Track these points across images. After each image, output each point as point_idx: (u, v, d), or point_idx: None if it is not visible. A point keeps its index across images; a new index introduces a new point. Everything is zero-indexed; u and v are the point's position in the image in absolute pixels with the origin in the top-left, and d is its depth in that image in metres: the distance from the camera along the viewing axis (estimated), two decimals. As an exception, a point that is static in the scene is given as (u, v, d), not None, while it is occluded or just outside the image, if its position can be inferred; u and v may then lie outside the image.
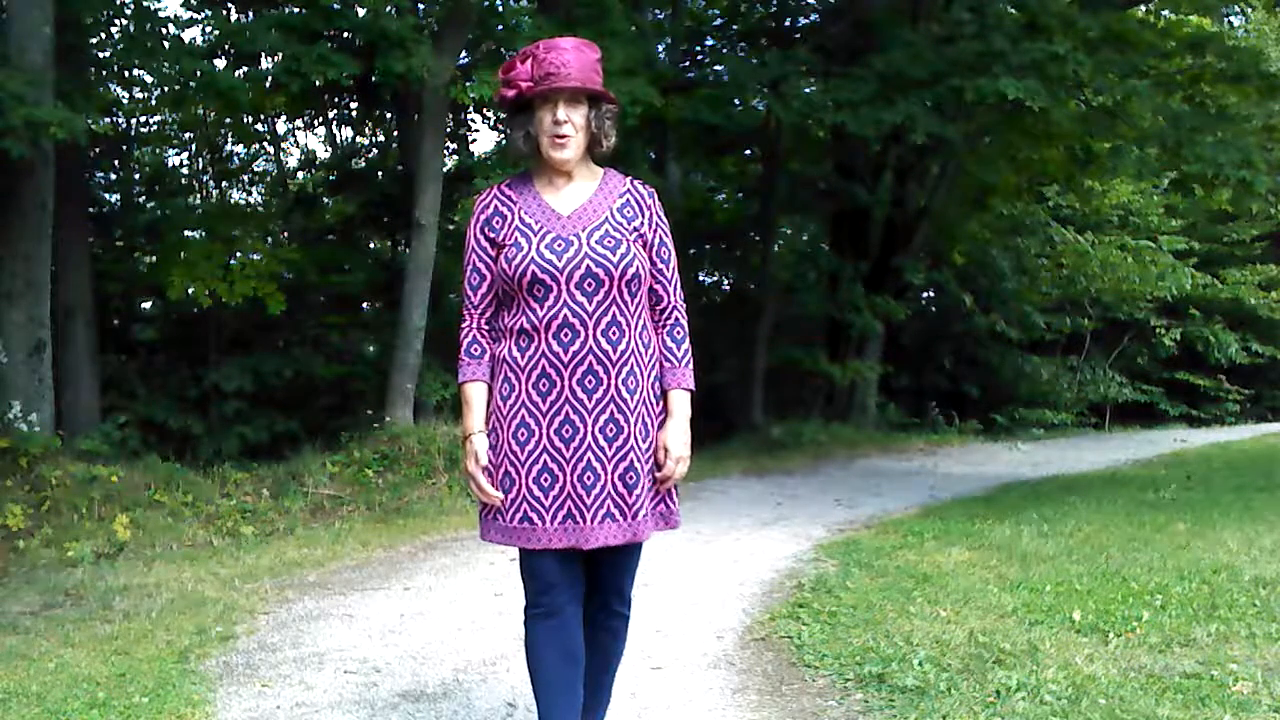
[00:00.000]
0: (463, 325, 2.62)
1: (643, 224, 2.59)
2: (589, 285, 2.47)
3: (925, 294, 17.57)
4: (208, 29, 9.41)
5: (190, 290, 9.90)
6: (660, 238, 2.62)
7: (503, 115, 2.73)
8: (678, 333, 2.65)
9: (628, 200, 2.59)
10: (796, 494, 9.00)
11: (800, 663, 3.74)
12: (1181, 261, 18.59)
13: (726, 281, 18.08)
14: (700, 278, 17.60)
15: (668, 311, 2.64)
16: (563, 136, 2.49)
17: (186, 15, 9.60)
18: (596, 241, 2.50)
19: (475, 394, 2.58)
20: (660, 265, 2.62)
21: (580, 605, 2.62)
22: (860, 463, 12.00)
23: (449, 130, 11.15)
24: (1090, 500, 7.91)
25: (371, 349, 12.03)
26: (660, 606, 4.60)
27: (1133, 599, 4.42)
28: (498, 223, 2.57)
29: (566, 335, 2.47)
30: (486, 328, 2.60)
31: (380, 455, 8.43)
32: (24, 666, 3.80)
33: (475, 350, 2.59)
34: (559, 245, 2.49)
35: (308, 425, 10.02)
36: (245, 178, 13.64)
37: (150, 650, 3.98)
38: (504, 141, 12.59)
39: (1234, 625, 3.97)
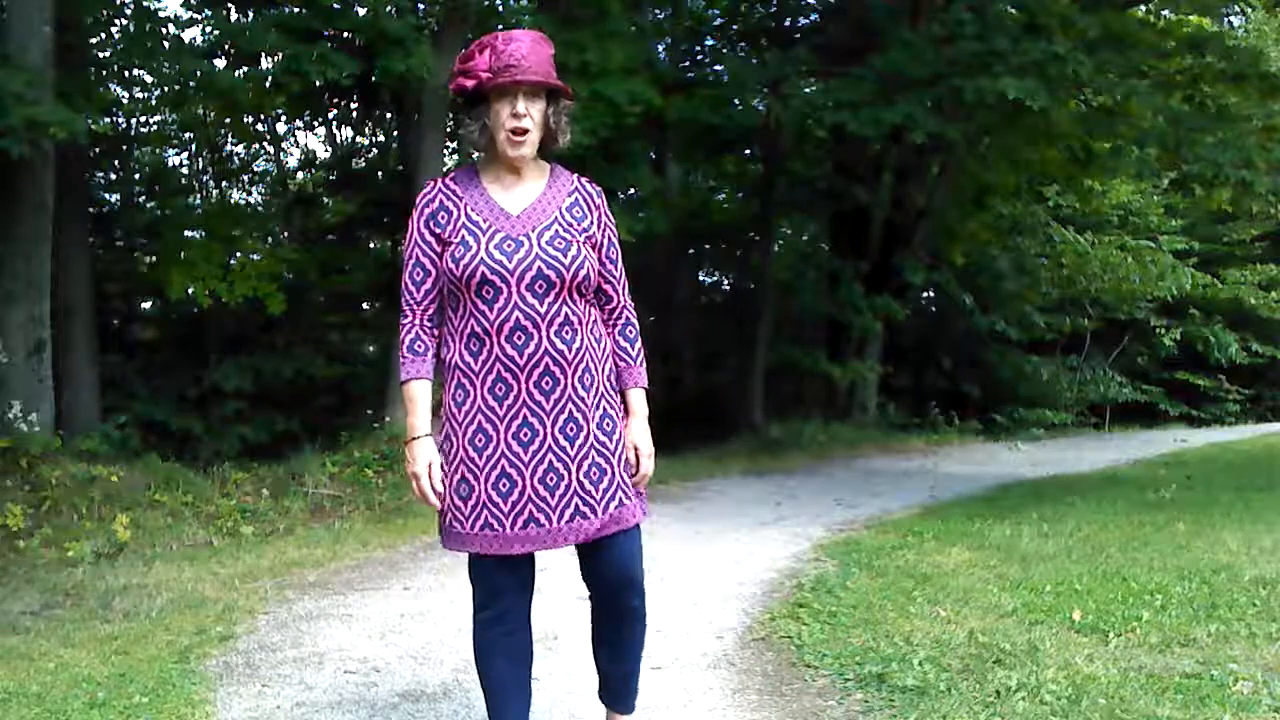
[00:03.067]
0: (403, 321, 2.55)
1: (591, 224, 2.55)
2: (540, 287, 2.43)
3: (925, 294, 17.57)
4: (208, 29, 9.41)
5: (190, 290, 9.91)
6: (609, 238, 2.59)
7: (460, 108, 2.64)
8: (629, 332, 2.64)
9: (576, 200, 2.55)
10: (796, 494, 8.99)
11: (800, 663, 3.73)
12: (1181, 261, 18.60)
13: (726, 281, 18.12)
14: (700, 278, 17.62)
15: (618, 311, 2.62)
16: (522, 131, 2.45)
17: (186, 15, 9.61)
18: (547, 242, 2.45)
19: (420, 392, 2.53)
20: (609, 266, 2.59)
21: (528, 606, 2.61)
22: (860, 463, 12.00)
23: (449, 130, 11.14)
24: (1090, 500, 7.91)
25: (371, 349, 12.04)
26: (660, 606, 4.59)
27: (1133, 599, 4.42)
28: (443, 218, 2.51)
29: (520, 338, 2.42)
30: (429, 324, 2.55)
31: (380, 455, 8.43)
32: (24, 666, 3.80)
33: (419, 347, 2.54)
34: (509, 245, 2.44)
35: (308, 425, 10.02)
36: (245, 178, 13.65)
37: (150, 650, 3.98)
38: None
39: (1234, 625, 3.97)
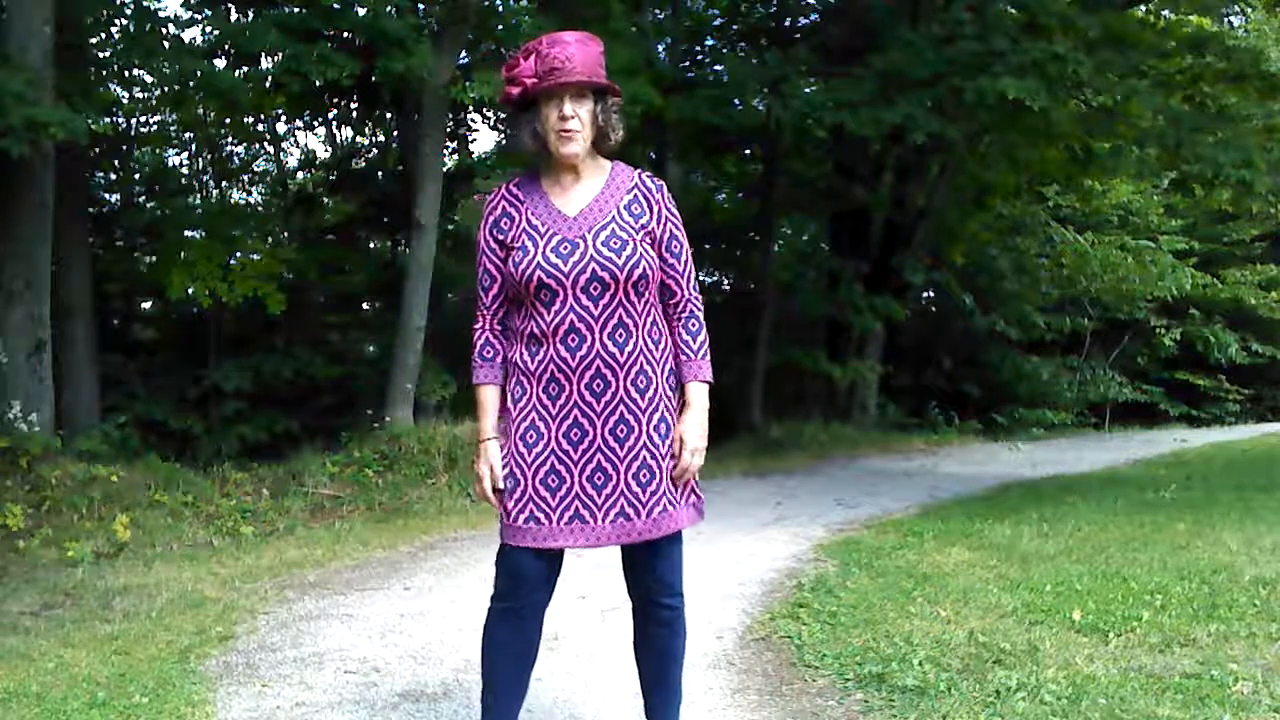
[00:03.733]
0: (475, 326, 2.61)
1: (651, 220, 2.55)
2: (595, 289, 2.45)
3: (925, 294, 17.58)
4: (208, 29, 9.40)
5: (190, 290, 9.91)
6: (671, 232, 2.59)
7: (506, 114, 2.67)
8: (693, 325, 2.62)
9: (636, 196, 2.56)
10: (796, 494, 8.99)
11: (800, 663, 3.73)
12: (1181, 261, 18.61)
13: (726, 281, 18.10)
14: (700, 278, 17.60)
15: (682, 305, 2.61)
16: (570, 131, 2.46)
17: (186, 15, 9.58)
18: (602, 243, 2.47)
19: (488, 397, 2.58)
20: (672, 260, 2.58)
21: (547, 601, 2.62)
22: (860, 463, 12.00)
23: (449, 130, 11.14)
24: (1090, 500, 7.91)
25: (371, 349, 12.04)
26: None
27: (1133, 599, 4.42)
28: (506, 224, 2.55)
29: (573, 340, 2.45)
30: (499, 328, 2.59)
31: (380, 455, 8.44)
32: (24, 666, 3.80)
33: (488, 352, 2.59)
34: (565, 248, 2.47)
35: (308, 425, 10.02)
36: (245, 178, 13.64)
37: (150, 650, 3.98)
38: (505, 140, 12.57)
39: (1234, 625, 3.97)
